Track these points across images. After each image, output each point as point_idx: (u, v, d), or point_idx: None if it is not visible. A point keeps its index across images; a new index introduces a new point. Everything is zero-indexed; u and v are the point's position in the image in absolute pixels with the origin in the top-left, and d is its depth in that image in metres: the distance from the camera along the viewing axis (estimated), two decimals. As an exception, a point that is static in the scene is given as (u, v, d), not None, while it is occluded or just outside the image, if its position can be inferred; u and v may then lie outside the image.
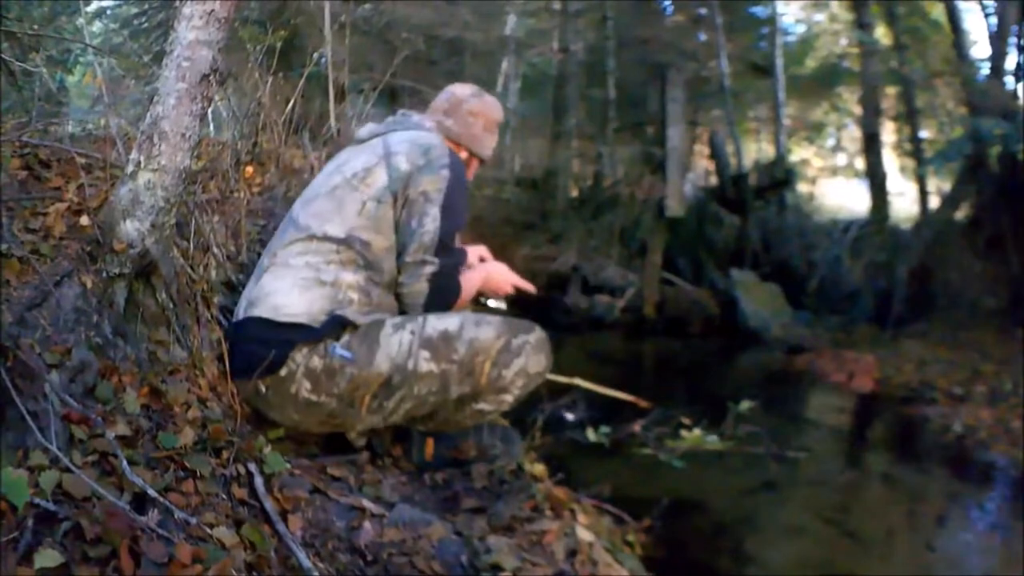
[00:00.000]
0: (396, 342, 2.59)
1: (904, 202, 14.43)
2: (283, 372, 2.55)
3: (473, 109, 3.09)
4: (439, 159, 2.76)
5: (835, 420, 6.52)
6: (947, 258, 9.63)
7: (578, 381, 5.16)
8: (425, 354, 2.59)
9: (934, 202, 12.22)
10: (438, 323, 2.66)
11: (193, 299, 2.86)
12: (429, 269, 2.72)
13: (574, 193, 12.68)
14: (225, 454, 2.14)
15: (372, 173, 2.73)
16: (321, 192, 2.80)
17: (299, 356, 2.55)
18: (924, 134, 13.92)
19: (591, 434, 3.32)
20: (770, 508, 4.14)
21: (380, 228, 2.69)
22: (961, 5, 12.55)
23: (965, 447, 5.55)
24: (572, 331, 8.98)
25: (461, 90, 3.16)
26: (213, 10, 2.44)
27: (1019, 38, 10.00)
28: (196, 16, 2.44)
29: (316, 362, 2.55)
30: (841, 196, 20.46)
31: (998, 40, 10.19)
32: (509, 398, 2.77)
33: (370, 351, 2.57)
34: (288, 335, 2.55)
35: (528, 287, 3.20)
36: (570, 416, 4.32)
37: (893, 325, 9.38)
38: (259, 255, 3.68)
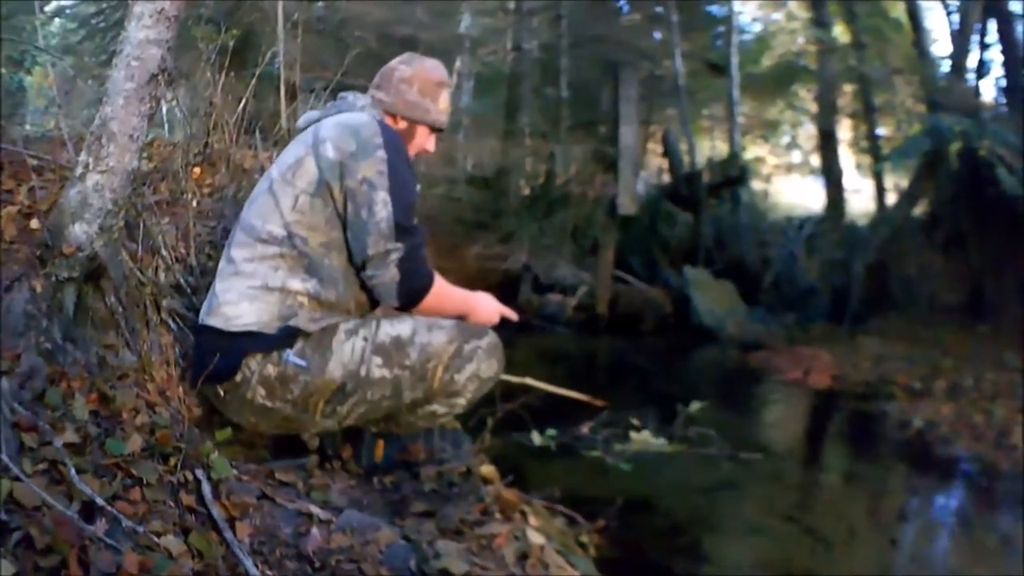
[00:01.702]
0: (349, 349, 2.58)
1: (860, 199, 14.60)
2: (238, 378, 2.55)
3: (404, 75, 2.84)
4: (370, 140, 2.61)
5: (792, 418, 6.55)
6: (905, 254, 9.74)
7: (529, 381, 5.15)
8: (377, 360, 2.59)
9: (891, 199, 12.37)
10: (391, 329, 2.64)
11: (142, 302, 2.85)
12: (395, 256, 2.58)
13: (526, 192, 12.69)
14: (173, 460, 2.14)
15: (302, 164, 2.62)
16: (263, 189, 2.72)
17: (253, 363, 2.54)
18: (882, 131, 14.05)
19: (536, 437, 3.32)
20: (727, 507, 4.17)
21: (314, 223, 2.59)
22: (923, 3, 12.68)
23: (926, 443, 5.57)
24: (524, 330, 8.93)
25: (393, 60, 2.93)
26: (163, 8, 2.44)
27: (981, 36, 10.17)
28: (146, 15, 2.43)
29: (270, 369, 2.54)
30: (796, 193, 20.68)
31: (960, 38, 10.33)
32: (462, 401, 2.77)
33: (323, 358, 2.56)
34: (241, 344, 2.54)
35: (512, 316, 3.08)
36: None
37: (850, 322, 9.49)
38: (209, 257, 3.68)
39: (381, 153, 2.60)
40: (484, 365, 2.73)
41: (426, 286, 2.69)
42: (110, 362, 2.49)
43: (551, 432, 3.46)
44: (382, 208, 2.56)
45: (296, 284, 2.58)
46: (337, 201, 2.60)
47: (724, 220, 13.43)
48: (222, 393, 2.61)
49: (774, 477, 4.67)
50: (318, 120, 2.78)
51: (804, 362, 7.71)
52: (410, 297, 2.66)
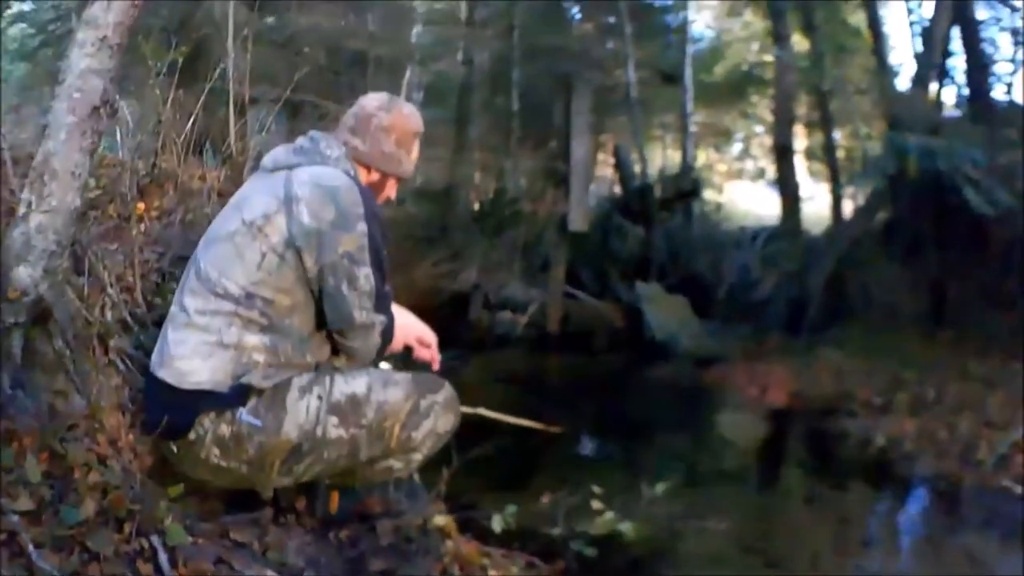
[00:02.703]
0: (304, 408, 2.48)
1: (814, 206, 14.67)
2: (192, 436, 2.43)
3: (383, 124, 2.75)
4: (351, 210, 2.50)
5: (750, 439, 6.44)
6: (863, 264, 9.62)
7: (482, 411, 5.09)
8: (334, 420, 2.49)
9: (847, 205, 12.37)
10: (346, 387, 2.55)
11: (90, 342, 2.76)
12: (379, 326, 2.59)
13: (476, 206, 12.61)
14: (127, 527, 2.07)
15: (272, 221, 2.48)
16: (221, 235, 2.56)
17: (207, 421, 2.42)
18: (837, 135, 14.07)
19: (496, 522, 3.25)
20: (688, 538, 4.09)
21: (282, 285, 2.48)
22: (882, 12, 12.75)
23: (889, 461, 5.48)
24: (475, 349, 8.87)
25: (370, 102, 2.81)
26: (106, 36, 2.38)
27: (944, 43, 10.24)
28: (88, 43, 2.38)
29: (224, 429, 2.42)
30: (748, 201, 20.84)
31: (926, 49, 10.36)
32: (418, 457, 2.72)
33: (278, 418, 2.45)
34: (194, 402, 2.42)
35: (429, 342, 2.98)
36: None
37: (807, 333, 9.33)
38: (157, 285, 3.56)
39: (362, 226, 2.50)
40: (441, 421, 2.69)
41: (392, 336, 2.70)
42: (60, 409, 2.42)
43: (511, 509, 3.37)
44: (365, 282, 2.51)
45: (252, 340, 2.46)
46: (308, 268, 2.48)
47: (677, 233, 13.46)
48: (176, 449, 2.50)
49: (735, 505, 4.62)
50: (288, 166, 2.63)
51: (761, 378, 7.59)
52: (382, 353, 2.71)
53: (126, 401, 2.79)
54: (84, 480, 2.15)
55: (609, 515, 3.58)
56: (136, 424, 2.69)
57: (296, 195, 2.48)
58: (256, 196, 2.59)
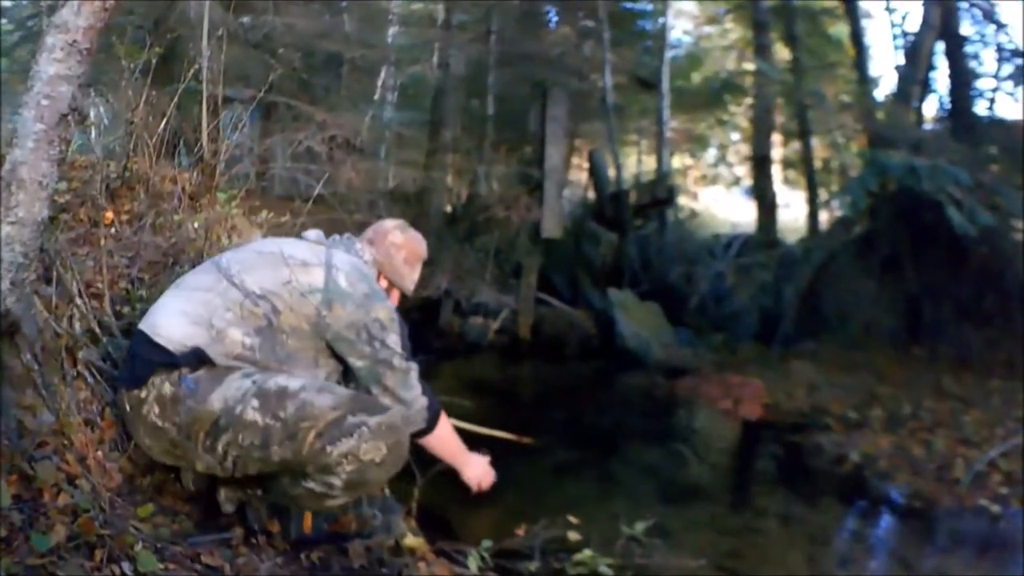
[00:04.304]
0: (236, 385, 2.53)
1: (790, 213, 14.67)
2: (142, 393, 2.54)
3: (397, 241, 3.13)
4: (381, 291, 2.88)
5: (723, 453, 6.39)
6: (839, 277, 9.53)
7: (452, 422, 5.02)
8: (255, 403, 2.50)
9: (823, 214, 12.38)
10: (283, 380, 2.57)
11: (58, 355, 2.73)
12: (414, 373, 2.83)
13: (448, 210, 12.53)
14: (98, 554, 2.04)
15: (309, 270, 2.73)
16: (255, 248, 2.90)
17: (157, 380, 2.54)
18: (814, 142, 14.07)
19: (472, 561, 3.21)
20: (660, 556, 4.04)
21: (296, 307, 2.68)
22: (865, 25, 12.75)
23: (864, 478, 5.41)
24: (446, 356, 8.82)
25: (388, 222, 3.23)
26: (75, 40, 2.35)
27: (929, 58, 10.24)
28: (57, 47, 2.33)
29: (167, 388, 2.53)
30: (722, 207, 20.91)
31: (909, 65, 10.38)
32: (337, 482, 2.55)
33: (210, 387, 2.52)
34: (152, 356, 2.55)
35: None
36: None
37: (781, 344, 9.28)
38: (127, 292, 3.51)
39: (389, 303, 2.87)
40: (366, 446, 2.51)
41: (439, 410, 2.96)
42: (29, 426, 2.37)
43: (486, 544, 3.34)
44: (396, 342, 2.78)
45: (238, 334, 2.62)
46: (336, 319, 2.71)
47: (650, 240, 13.44)
48: (127, 407, 2.59)
49: (708, 522, 4.57)
50: (326, 245, 2.95)
51: (734, 390, 7.50)
52: (431, 419, 2.92)
53: (95, 415, 2.76)
54: (53, 503, 2.12)
55: (587, 552, 3.56)
56: (105, 440, 2.66)
57: (335, 265, 2.79)
58: (298, 245, 2.89)
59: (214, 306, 2.61)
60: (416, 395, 2.80)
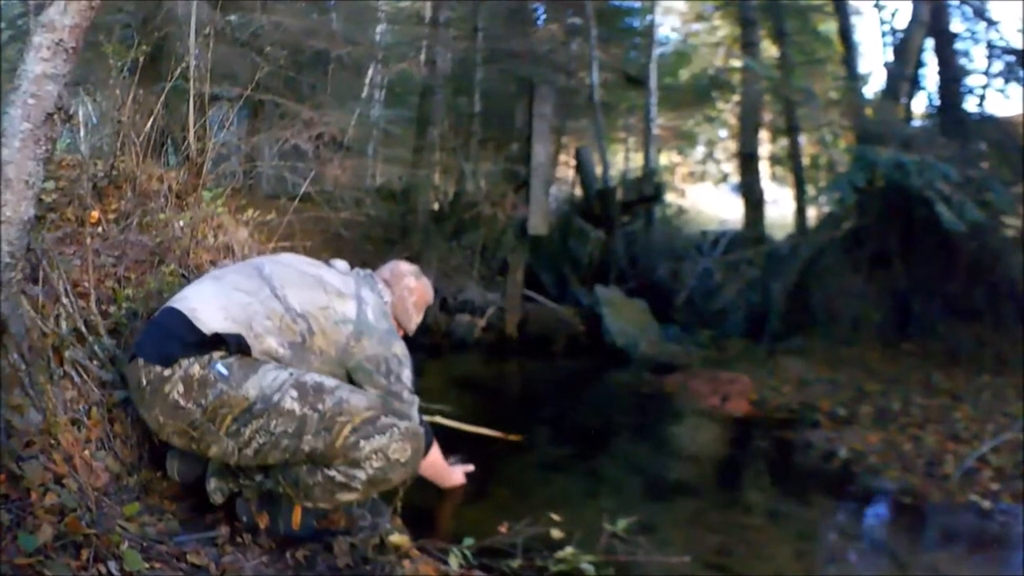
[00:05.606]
0: (272, 375, 2.68)
1: (777, 210, 14.64)
2: (167, 372, 2.61)
3: (411, 285, 3.47)
4: (395, 329, 3.18)
5: (711, 449, 6.29)
6: (827, 273, 9.45)
7: (439, 419, 5.05)
8: (293, 393, 2.66)
9: (811, 210, 12.35)
10: (319, 377, 2.76)
11: (45, 354, 2.76)
12: (416, 407, 3.11)
13: (435, 207, 12.50)
14: (85, 553, 2.07)
15: (344, 298, 2.98)
16: (296, 265, 3.11)
17: (185, 362, 2.62)
18: (802, 139, 14.05)
19: (453, 559, 3.22)
20: (647, 553, 4.03)
21: (328, 333, 2.90)
22: (854, 21, 12.72)
23: (853, 474, 5.33)
24: (433, 353, 8.79)
25: (406, 267, 3.54)
26: (61, 39, 2.37)
27: (916, 54, 10.23)
28: (44, 47, 2.34)
29: (196, 370, 2.61)
30: (709, 203, 20.89)
31: (900, 61, 10.37)
32: (361, 476, 2.74)
33: (244, 375, 2.64)
34: (189, 336, 2.65)
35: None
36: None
37: (769, 340, 9.25)
38: (113, 291, 3.51)
39: (402, 341, 3.16)
40: (396, 446, 2.77)
41: (432, 439, 3.51)
42: (16, 425, 2.40)
43: (468, 541, 3.35)
44: (408, 377, 3.07)
45: (273, 344, 2.76)
46: (361, 348, 2.96)
47: (637, 237, 13.42)
48: (144, 382, 2.64)
49: (695, 519, 4.55)
50: (355, 280, 3.19)
51: (722, 387, 7.43)
52: (427, 446, 3.30)
53: (81, 414, 2.78)
54: (40, 502, 2.14)
55: (569, 549, 3.55)
56: (92, 439, 2.66)
57: (364, 299, 3.07)
58: (333, 274, 3.14)
59: (254, 311, 2.76)
60: (416, 424, 3.00)
